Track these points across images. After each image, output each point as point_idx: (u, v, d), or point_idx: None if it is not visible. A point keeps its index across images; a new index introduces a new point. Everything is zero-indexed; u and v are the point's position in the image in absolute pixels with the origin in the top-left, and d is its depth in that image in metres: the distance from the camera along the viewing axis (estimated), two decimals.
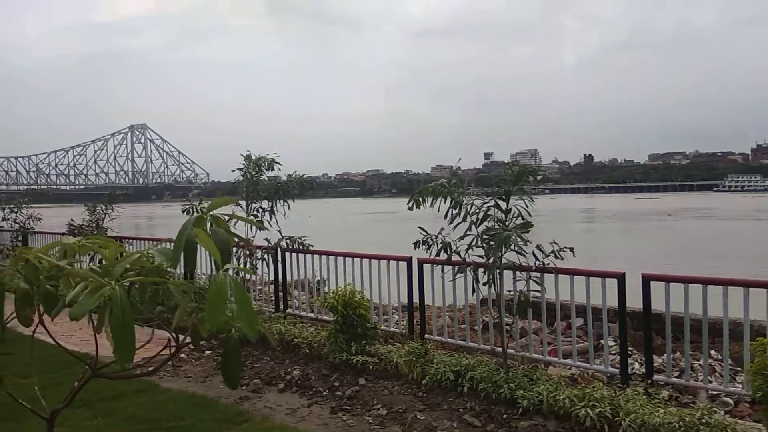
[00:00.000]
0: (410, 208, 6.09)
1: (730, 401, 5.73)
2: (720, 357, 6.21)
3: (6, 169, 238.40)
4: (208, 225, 2.13)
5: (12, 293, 2.23)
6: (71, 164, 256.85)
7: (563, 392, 5.15)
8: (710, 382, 5.65)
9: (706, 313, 5.32)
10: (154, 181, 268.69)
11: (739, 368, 5.84)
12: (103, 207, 13.23)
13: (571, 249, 5.59)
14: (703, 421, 4.46)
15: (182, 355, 7.29)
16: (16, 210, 15.20)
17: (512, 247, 5.49)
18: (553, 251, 5.60)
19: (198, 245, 2.08)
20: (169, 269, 2.26)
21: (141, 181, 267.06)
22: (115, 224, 13.34)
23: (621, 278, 5.67)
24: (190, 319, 2.22)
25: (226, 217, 2.37)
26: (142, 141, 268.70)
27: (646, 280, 5.54)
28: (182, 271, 2.25)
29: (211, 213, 2.14)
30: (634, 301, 5.74)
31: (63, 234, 12.26)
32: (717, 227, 49.13)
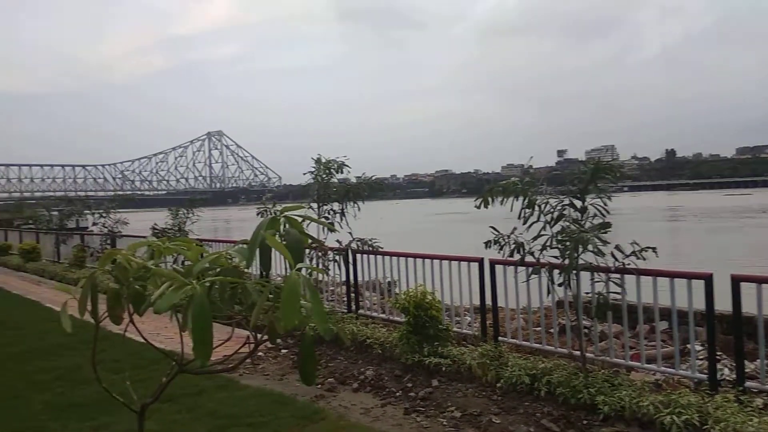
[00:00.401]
0: (478, 207, 6.00)
1: None
2: None
3: (94, 176, 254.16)
4: (282, 226, 2.20)
5: (103, 293, 2.37)
6: (154, 171, 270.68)
7: (647, 398, 4.93)
8: None
9: None
10: (230, 185, 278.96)
11: None
12: (185, 211, 13.85)
13: (654, 249, 5.32)
14: None
15: (260, 354, 7.50)
16: (104, 215, 16.16)
17: (590, 248, 5.29)
18: (633, 252, 5.34)
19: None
20: (246, 270, 2.34)
21: (218, 185, 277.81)
22: (195, 227, 13.94)
23: (708, 279, 5.36)
24: (267, 317, 2.28)
25: (300, 219, 2.43)
26: (219, 147, 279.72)
27: (736, 282, 5.21)
28: (259, 271, 2.32)
29: (285, 214, 2.21)
30: (723, 304, 5.41)
31: (148, 237, 12.93)
32: None
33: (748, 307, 5.30)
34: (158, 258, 2.38)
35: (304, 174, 8.90)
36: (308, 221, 2.88)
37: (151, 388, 2.74)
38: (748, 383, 5.25)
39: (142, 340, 2.78)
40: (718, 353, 5.96)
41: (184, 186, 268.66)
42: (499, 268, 6.91)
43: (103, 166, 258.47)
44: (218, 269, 2.27)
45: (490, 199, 5.93)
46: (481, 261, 7.12)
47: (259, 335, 2.43)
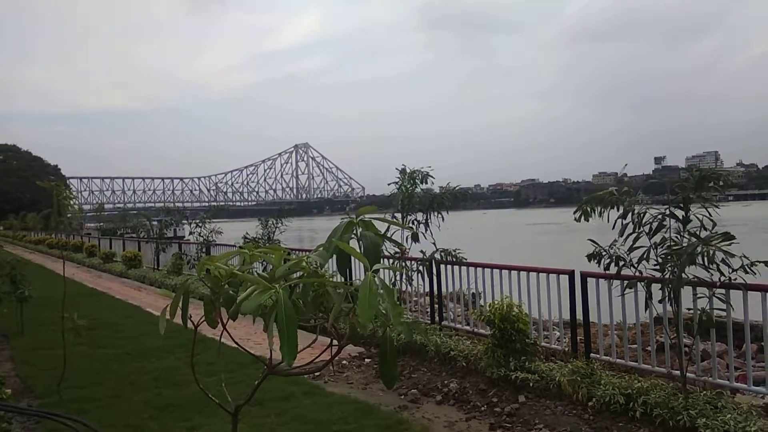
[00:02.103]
0: (577, 220, 5.74)
1: None
2: None
3: (190, 188, 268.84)
4: (359, 230, 2.23)
5: (200, 300, 2.47)
6: (245, 182, 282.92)
7: (754, 423, 4.54)
8: None
9: None
10: (315, 196, 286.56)
11: None
12: (274, 221, 14.32)
13: (765, 263, 4.89)
14: None
15: (344, 362, 7.59)
16: (200, 224, 17.00)
17: (711, 262, 4.88)
18: (742, 265, 4.92)
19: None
20: (330, 277, 2.37)
21: (304, 196, 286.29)
22: (282, 237, 14.38)
23: None
24: (348, 320, 2.30)
25: (381, 225, 2.44)
26: (305, 159, 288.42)
27: None
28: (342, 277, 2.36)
29: (361, 218, 2.24)
30: None
31: (240, 246, 13.46)
32: None
33: None
34: (248, 264, 2.46)
35: (389, 184, 8.96)
36: (391, 229, 2.87)
37: (242, 391, 2.83)
38: None
39: (234, 345, 2.87)
40: None
41: (273, 197, 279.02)
42: (591, 281, 6.62)
43: (198, 178, 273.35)
44: (301, 274, 2.32)
45: (589, 210, 5.66)
46: (571, 273, 6.85)
47: (342, 341, 2.46)
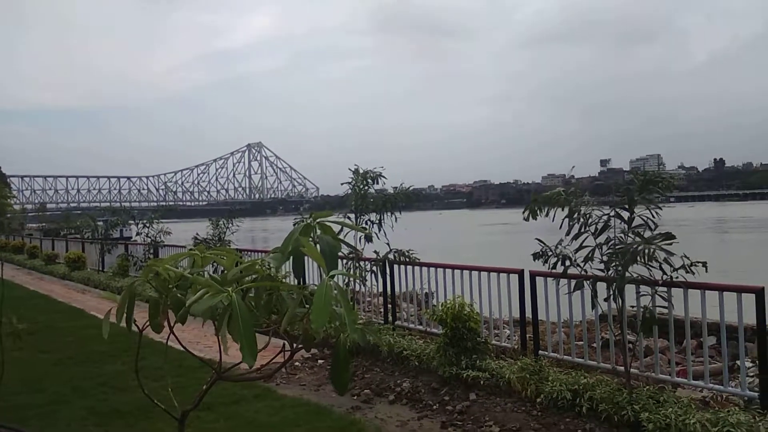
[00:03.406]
0: (526, 219, 5.89)
1: None
2: None
3: (138, 187, 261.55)
4: (316, 232, 2.21)
5: (145, 302, 2.40)
6: (195, 182, 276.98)
7: (694, 416, 4.73)
8: None
9: None
10: (268, 196, 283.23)
11: None
12: (225, 221, 14.08)
13: (704, 264, 5.11)
14: None
15: (296, 364, 7.53)
16: (148, 225, 16.55)
17: (651, 260, 5.08)
18: (683, 265, 5.13)
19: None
20: (282, 279, 2.35)
21: (257, 196, 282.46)
22: (234, 237, 14.15)
23: (759, 293, 5.13)
24: (302, 325, 2.29)
25: (337, 227, 2.43)
26: (258, 158, 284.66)
27: None
28: (295, 280, 2.33)
29: (318, 221, 2.22)
30: None
31: (191, 247, 13.18)
32: None
33: None
34: (198, 267, 2.41)
35: (342, 184, 8.95)
36: (344, 230, 2.87)
37: (191, 396, 2.77)
38: None
39: (182, 349, 2.81)
40: None
41: (224, 197, 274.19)
42: (539, 280, 6.78)
43: (147, 177, 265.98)
44: (254, 277, 2.29)
45: (537, 210, 5.81)
46: (521, 273, 6.99)
47: (295, 345, 2.44)
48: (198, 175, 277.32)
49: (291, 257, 2.30)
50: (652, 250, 5.00)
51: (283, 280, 2.53)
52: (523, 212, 5.92)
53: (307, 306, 2.23)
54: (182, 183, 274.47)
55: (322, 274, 2.18)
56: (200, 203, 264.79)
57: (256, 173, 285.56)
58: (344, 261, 8.52)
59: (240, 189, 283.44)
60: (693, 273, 5.11)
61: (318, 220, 2.24)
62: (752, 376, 5.70)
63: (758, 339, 5.26)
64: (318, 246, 2.24)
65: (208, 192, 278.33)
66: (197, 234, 14.10)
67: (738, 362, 5.69)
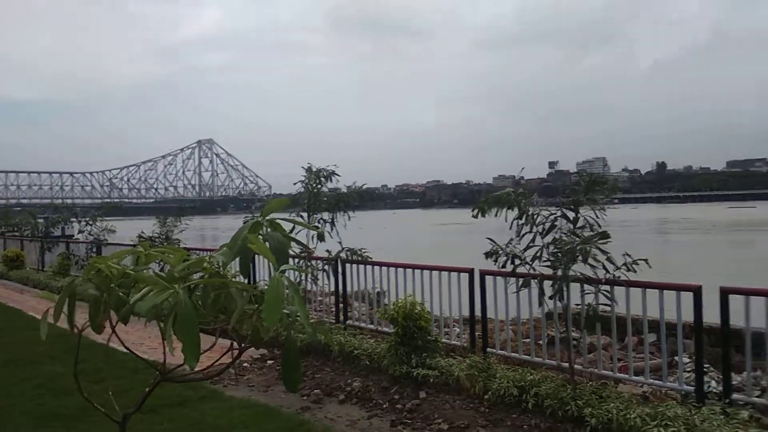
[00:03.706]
0: (475, 216, 6.00)
1: None
2: None
3: (81, 184, 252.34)
4: (265, 229, 2.18)
5: (85, 302, 2.31)
6: (142, 179, 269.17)
7: (634, 410, 4.91)
8: None
9: None
10: (219, 194, 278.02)
11: None
12: (173, 219, 13.74)
13: (646, 261, 5.31)
14: None
15: (245, 365, 7.42)
16: (91, 222, 15.99)
17: (587, 259, 5.26)
18: (625, 263, 5.33)
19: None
20: (233, 278, 2.30)
21: (207, 194, 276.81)
22: (183, 236, 13.83)
23: (697, 291, 5.37)
24: (250, 322, 2.25)
25: (288, 225, 2.40)
26: (209, 155, 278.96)
27: (725, 294, 5.22)
28: (246, 279, 2.29)
29: (268, 218, 2.18)
30: (712, 316, 5.41)
31: (134, 245, 12.80)
32: None
33: (737, 320, 5.30)
34: (142, 265, 2.34)
35: (295, 183, 8.86)
36: (297, 229, 2.83)
37: (134, 399, 2.69)
38: (734, 395, 5.24)
39: (125, 350, 2.73)
40: (706, 365, 5.96)
41: (173, 194, 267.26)
42: (489, 278, 6.89)
43: (90, 173, 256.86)
44: (202, 274, 2.24)
45: (486, 209, 5.92)
46: (471, 271, 7.10)
47: (243, 344, 2.40)
48: (145, 171, 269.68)
49: (238, 255, 2.26)
50: (588, 249, 5.18)
51: (233, 279, 2.48)
52: (472, 211, 6.02)
53: (256, 304, 2.20)
54: (128, 180, 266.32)
55: (272, 272, 2.14)
56: (147, 200, 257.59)
57: (206, 170, 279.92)
58: (296, 260, 8.45)
59: (189, 186, 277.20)
60: (635, 271, 5.31)
61: (267, 217, 2.21)
62: (689, 372, 5.96)
63: (695, 336, 5.50)
64: (267, 243, 2.21)
65: (156, 189, 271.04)
66: (142, 232, 13.71)
67: (677, 358, 5.92)
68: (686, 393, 5.55)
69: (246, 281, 3.80)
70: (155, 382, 2.49)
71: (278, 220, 2.32)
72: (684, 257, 31.84)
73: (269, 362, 7.56)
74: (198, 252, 11.62)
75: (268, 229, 2.20)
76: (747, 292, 5.22)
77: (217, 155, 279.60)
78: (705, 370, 5.83)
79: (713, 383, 6.07)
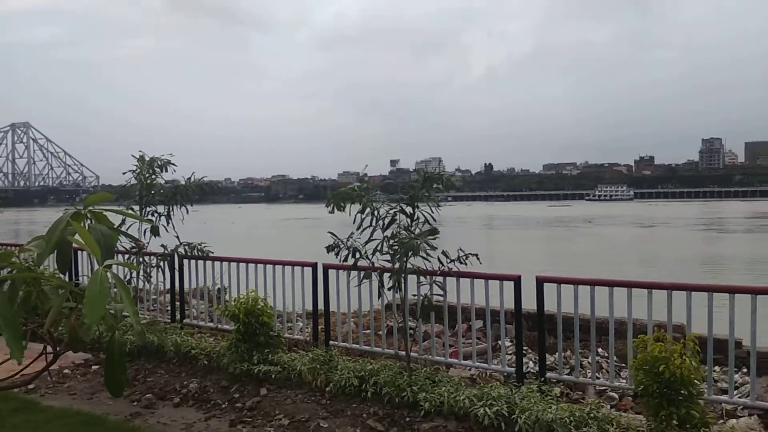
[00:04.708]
0: (331, 212, 6.03)
1: (616, 395, 6.12)
2: (606, 354, 6.61)
3: None
4: (87, 221, 1.99)
5: None
6: None
7: (463, 393, 5.27)
8: (598, 378, 5.99)
9: (594, 313, 5.64)
10: (36, 184, 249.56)
11: (623, 364, 6.24)
12: None
13: (476, 255, 5.74)
14: (592, 415, 4.72)
15: (66, 371, 6.77)
16: None
17: (420, 253, 5.55)
18: (458, 257, 5.73)
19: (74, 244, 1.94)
20: (54, 276, 2.08)
21: (22, 183, 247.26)
22: None
23: (517, 281, 5.89)
24: (68, 323, 2.05)
25: (117, 219, 2.22)
26: (25, 141, 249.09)
27: (540, 282, 5.80)
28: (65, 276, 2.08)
29: (90, 209, 1.99)
30: (532, 303, 5.96)
31: None
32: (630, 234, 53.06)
33: (552, 306, 5.90)
34: None
35: (124, 173, 8.21)
36: (128, 222, 2.64)
37: None
38: (548, 374, 5.86)
39: None
40: (525, 348, 6.59)
41: None
42: (332, 272, 6.96)
43: None
44: (10, 270, 1.99)
45: (341, 204, 5.98)
46: (315, 265, 7.12)
47: (59, 348, 2.18)
48: None
49: (56, 248, 2.05)
50: (417, 243, 5.48)
51: (54, 276, 2.24)
52: (326, 206, 6.06)
53: (77, 303, 2.00)
54: None
55: (95, 266, 1.97)
56: None
57: (21, 157, 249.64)
58: (126, 256, 7.87)
59: (1, 175, 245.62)
60: (466, 264, 5.71)
61: (89, 209, 2.01)
62: (510, 354, 6.53)
63: (515, 321, 6.04)
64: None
65: None
66: None
67: (500, 342, 6.46)
68: (508, 374, 6.08)
69: (67, 279, 3.46)
70: None
71: (106, 212, 2.14)
72: (511, 250, 34.83)
73: (94, 367, 6.95)
74: (7, 248, 10.35)
75: (91, 221, 2.01)
76: (559, 281, 5.85)
77: (35, 140, 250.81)
78: (524, 352, 6.44)
79: (531, 364, 6.72)
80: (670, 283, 5.42)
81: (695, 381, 4.46)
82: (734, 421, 5.35)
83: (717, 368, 6.13)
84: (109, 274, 1.84)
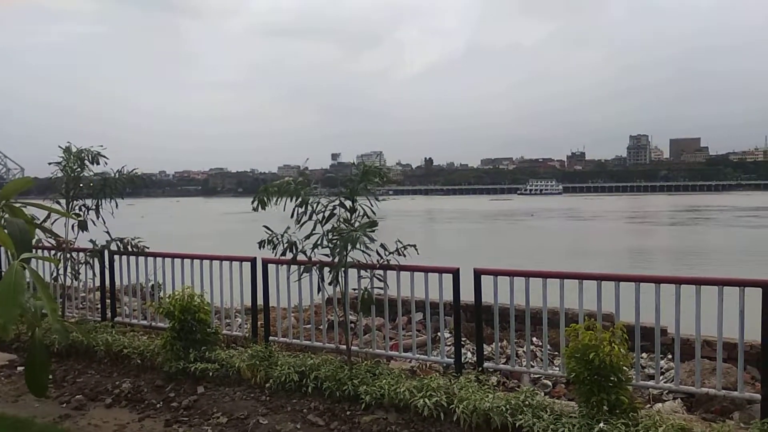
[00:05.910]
0: (255, 209, 5.91)
1: (549, 383, 6.34)
2: (541, 343, 6.83)
3: None
4: (4, 216, 1.88)
5: None
6: None
7: (403, 385, 5.32)
8: (532, 366, 6.17)
9: (528, 304, 5.80)
10: None
11: (556, 353, 6.45)
12: None
13: (414, 246, 5.78)
14: (527, 402, 4.86)
15: None
16: None
17: (359, 246, 5.54)
18: (397, 249, 5.76)
19: None
20: None
21: None
22: None
23: (456, 273, 5.98)
24: None
25: (39, 216, 2.11)
26: None
27: (478, 275, 5.90)
28: None
29: (5, 203, 1.88)
30: (471, 295, 6.07)
31: None
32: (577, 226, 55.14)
33: (490, 297, 6.02)
34: None
35: (50, 164, 7.79)
36: (52, 217, 2.51)
37: None
38: (486, 364, 5.99)
39: None
40: (463, 339, 6.72)
41: None
42: (271, 267, 6.86)
43: None
44: None
45: (266, 199, 5.87)
46: (254, 260, 7.00)
47: None
48: None
49: None
50: (357, 236, 5.49)
51: None
52: (252, 202, 5.94)
53: None
54: None
55: (11, 261, 1.85)
56: None
57: None
58: (52, 252, 7.51)
59: None
60: (405, 256, 5.75)
61: (4, 203, 1.89)
62: (450, 345, 6.65)
63: (454, 313, 6.14)
64: (6, 231, 1.91)
65: None
66: None
67: (439, 334, 6.55)
68: (447, 365, 6.18)
69: None
70: None
71: (28, 206, 2.03)
72: (452, 242, 35.42)
73: (20, 369, 6.60)
74: None
75: (6, 215, 1.89)
76: (495, 273, 5.97)
77: None
78: (463, 343, 6.56)
79: (469, 354, 6.87)
80: (599, 273, 5.64)
81: (624, 368, 4.67)
82: (660, 405, 5.65)
83: (644, 355, 6.45)
84: (26, 271, 1.74)
